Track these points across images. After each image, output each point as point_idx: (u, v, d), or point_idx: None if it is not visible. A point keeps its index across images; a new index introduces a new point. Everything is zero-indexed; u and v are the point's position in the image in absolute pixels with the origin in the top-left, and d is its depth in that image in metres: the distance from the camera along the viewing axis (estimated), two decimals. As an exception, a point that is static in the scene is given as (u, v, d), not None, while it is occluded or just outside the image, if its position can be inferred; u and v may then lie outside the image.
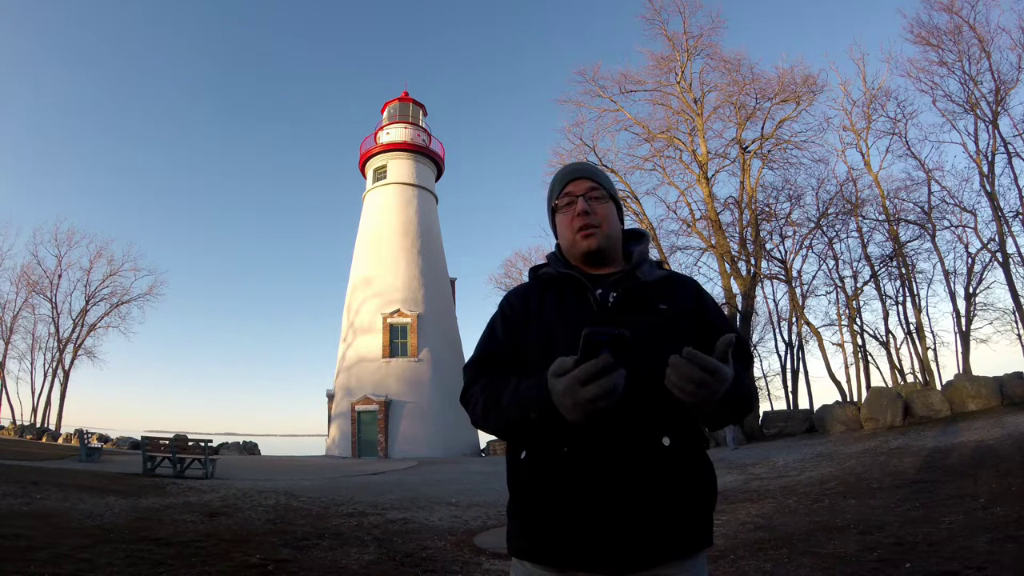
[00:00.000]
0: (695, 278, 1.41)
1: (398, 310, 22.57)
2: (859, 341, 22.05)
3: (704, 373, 0.89)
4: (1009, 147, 18.12)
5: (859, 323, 22.27)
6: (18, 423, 27.22)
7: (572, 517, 1.01)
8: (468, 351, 26.67)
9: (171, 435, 13.04)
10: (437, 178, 27.44)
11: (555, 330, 1.11)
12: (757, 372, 24.20)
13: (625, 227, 1.29)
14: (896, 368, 21.47)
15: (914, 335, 20.89)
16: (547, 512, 1.04)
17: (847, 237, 22.05)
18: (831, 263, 22.44)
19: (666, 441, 1.02)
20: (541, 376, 0.94)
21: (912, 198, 20.52)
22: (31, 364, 28.76)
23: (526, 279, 1.32)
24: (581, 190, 1.20)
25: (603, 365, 0.83)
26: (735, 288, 18.79)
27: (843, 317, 22.23)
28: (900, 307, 21.59)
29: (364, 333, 22.78)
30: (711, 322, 1.17)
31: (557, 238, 1.28)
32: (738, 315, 18.08)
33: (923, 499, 5.18)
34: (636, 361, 1.00)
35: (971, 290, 20.10)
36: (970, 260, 20.19)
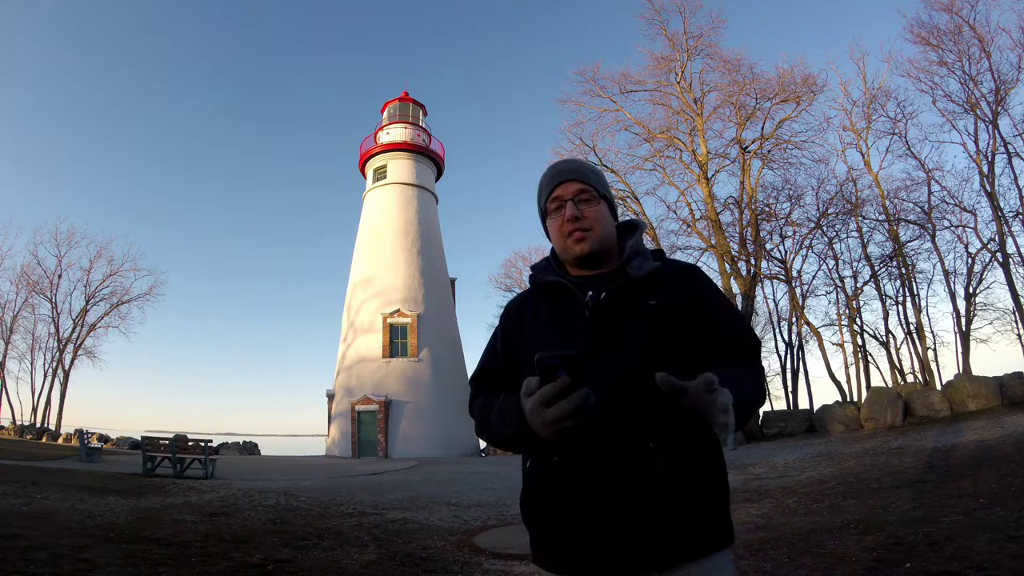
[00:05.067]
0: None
1: (398, 310, 22.57)
2: (859, 341, 22.04)
3: (689, 398, 0.88)
4: (1009, 147, 18.11)
5: (859, 323, 22.27)
6: (18, 423, 27.22)
7: (568, 525, 1.01)
8: (468, 351, 26.41)
9: (171, 435, 13.04)
10: (437, 178, 27.44)
11: (546, 339, 1.10)
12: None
13: (619, 221, 1.25)
14: (896, 368, 21.45)
15: (914, 335, 20.90)
16: (546, 521, 1.06)
17: (847, 237, 22.06)
18: (831, 263, 22.44)
19: (653, 444, 1.00)
20: (517, 394, 0.95)
21: (912, 198, 20.53)
22: (31, 364, 28.77)
23: (526, 279, 1.32)
24: (569, 194, 1.15)
25: (561, 387, 0.84)
26: (735, 288, 18.79)
27: (843, 317, 22.22)
28: (900, 307, 21.59)
29: (364, 333, 22.77)
30: (707, 311, 1.11)
31: (551, 241, 1.24)
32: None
33: (923, 499, 5.18)
34: (621, 363, 1.02)
35: (971, 290, 20.08)
36: (970, 260, 20.19)
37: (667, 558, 0.97)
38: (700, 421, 0.89)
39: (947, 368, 38.03)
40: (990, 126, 18.33)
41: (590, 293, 1.11)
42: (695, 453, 1.03)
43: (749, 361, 1.11)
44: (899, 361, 21.76)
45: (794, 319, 22.64)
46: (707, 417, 0.87)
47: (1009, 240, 18.30)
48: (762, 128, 19.88)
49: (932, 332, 21.39)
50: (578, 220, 1.13)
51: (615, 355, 1.04)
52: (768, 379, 25.79)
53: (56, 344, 27.98)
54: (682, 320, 1.07)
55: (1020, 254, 18.29)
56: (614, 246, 1.19)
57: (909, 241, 20.55)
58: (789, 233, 21.89)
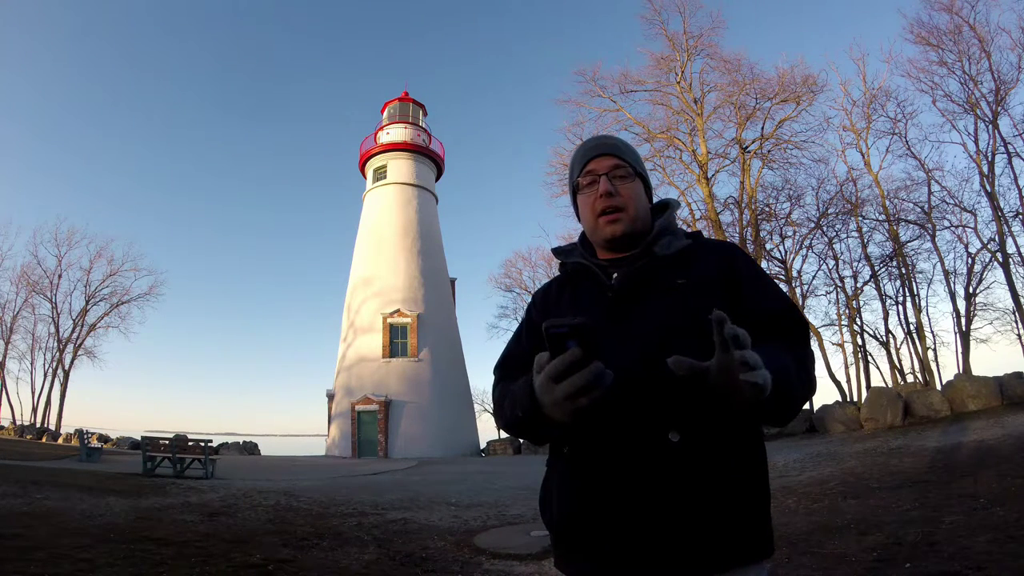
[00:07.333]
0: None
1: (398, 310, 22.58)
2: (859, 341, 22.03)
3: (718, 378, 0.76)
4: (1009, 147, 18.10)
5: (859, 323, 22.24)
6: (18, 423, 27.21)
7: (577, 523, 0.95)
8: (468, 351, 26.48)
9: (171, 435, 13.03)
10: (437, 178, 27.46)
11: None
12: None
13: (653, 202, 1.18)
14: (896, 368, 21.44)
15: (914, 335, 20.86)
16: (557, 518, 1.00)
17: (847, 237, 22.03)
18: (831, 263, 22.41)
19: (674, 437, 0.89)
20: (529, 375, 0.88)
21: (912, 198, 20.51)
22: (31, 364, 28.73)
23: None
24: (604, 168, 1.08)
25: (571, 360, 0.76)
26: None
27: (843, 317, 22.20)
28: (900, 307, 21.55)
29: (364, 333, 22.79)
30: (743, 287, 1.00)
31: (580, 221, 1.15)
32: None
33: (923, 499, 5.18)
34: (643, 348, 0.94)
35: (971, 290, 20.07)
36: (970, 260, 20.16)
37: (686, 569, 0.87)
38: (731, 399, 0.77)
39: (947, 368, 38.20)
40: (990, 126, 18.33)
41: (615, 276, 1.04)
42: (728, 448, 0.92)
43: (793, 340, 0.96)
44: (899, 361, 21.76)
45: (794, 319, 22.59)
46: (737, 388, 0.74)
47: (1009, 240, 18.31)
48: (762, 128, 19.90)
49: (932, 332, 21.37)
50: (612, 196, 1.06)
51: (633, 338, 0.95)
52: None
53: (56, 344, 27.98)
54: (715, 299, 0.93)
55: (1020, 254, 18.29)
56: (648, 227, 1.11)
57: (909, 241, 20.55)
58: (789, 233, 21.92)
